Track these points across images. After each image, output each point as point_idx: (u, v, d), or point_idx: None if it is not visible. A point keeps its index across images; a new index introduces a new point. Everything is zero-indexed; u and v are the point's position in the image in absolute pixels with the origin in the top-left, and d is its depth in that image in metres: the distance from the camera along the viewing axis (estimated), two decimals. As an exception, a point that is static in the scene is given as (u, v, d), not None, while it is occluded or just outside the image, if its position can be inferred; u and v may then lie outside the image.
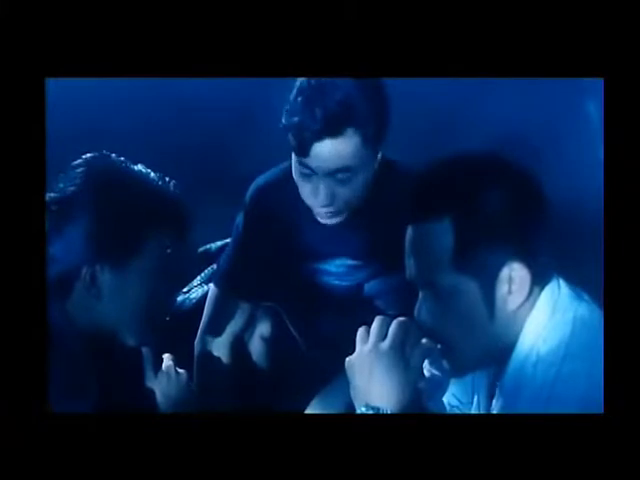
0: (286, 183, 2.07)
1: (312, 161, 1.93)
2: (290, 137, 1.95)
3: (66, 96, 2.26)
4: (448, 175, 1.52)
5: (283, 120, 1.95)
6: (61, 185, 1.64)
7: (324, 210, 2.00)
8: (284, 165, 2.12)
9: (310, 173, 1.96)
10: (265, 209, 2.15)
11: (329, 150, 1.91)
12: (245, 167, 2.30)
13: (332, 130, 1.90)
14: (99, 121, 2.73)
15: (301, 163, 1.96)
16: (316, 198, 1.98)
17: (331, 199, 1.97)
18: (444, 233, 1.48)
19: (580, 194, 2.50)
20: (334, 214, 2.01)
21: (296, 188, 2.02)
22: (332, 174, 1.94)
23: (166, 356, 1.87)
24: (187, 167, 2.29)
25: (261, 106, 2.62)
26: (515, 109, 2.72)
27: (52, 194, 1.64)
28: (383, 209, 2.03)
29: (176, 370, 1.86)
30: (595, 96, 2.52)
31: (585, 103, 2.69)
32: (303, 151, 1.93)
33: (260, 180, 2.18)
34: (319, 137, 1.90)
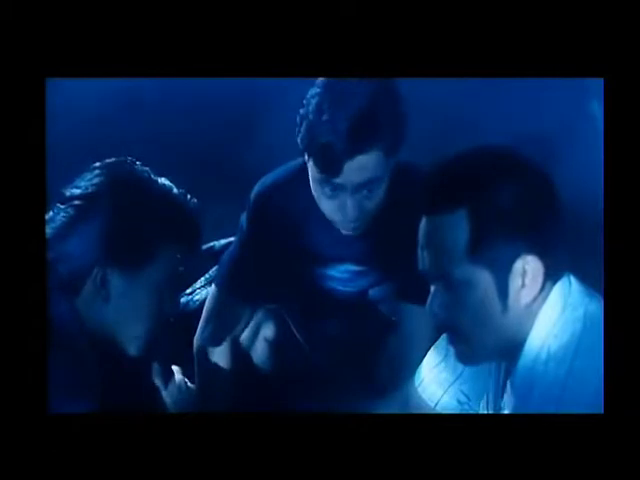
0: (292, 184, 2.05)
1: (341, 179, 1.91)
2: (314, 157, 1.92)
3: (66, 96, 2.27)
4: (464, 167, 1.52)
5: (300, 140, 1.93)
6: (82, 183, 1.65)
7: (352, 225, 1.98)
8: (290, 165, 2.09)
9: (337, 192, 1.93)
10: (270, 210, 2.11)
11: (358, 166, 1.89)
12: (250, 165, 2.29)
13: (360, 146, 1.87)
14: (99, 121, 2.73)
15: (326, 181, 1.92)
16: (344, 214, 1.95)
17: (359, 214, 1.95)
18: (459, 224, 1.48)
19: (595, 192, 2.49)
20: (360, 227, 1.99)
21: (302, 190, 1.99)
22: (359, 189, 1.92)
23: (175, 369, 1.87)
24: (188, 166, 2.29)
25: (264, 106, 2.64)
26: (525, 108, 2.72)
27: (74, 190, 1.64)
28: (389, 215, 2.00)
29: (179, 374, 1.86)
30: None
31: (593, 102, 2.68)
32: (333, 171, 1.89)
33: (266, 180, 2.13)
34: (350, 155, 1.88)
